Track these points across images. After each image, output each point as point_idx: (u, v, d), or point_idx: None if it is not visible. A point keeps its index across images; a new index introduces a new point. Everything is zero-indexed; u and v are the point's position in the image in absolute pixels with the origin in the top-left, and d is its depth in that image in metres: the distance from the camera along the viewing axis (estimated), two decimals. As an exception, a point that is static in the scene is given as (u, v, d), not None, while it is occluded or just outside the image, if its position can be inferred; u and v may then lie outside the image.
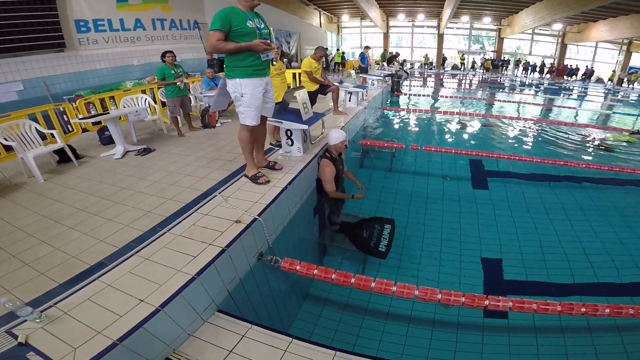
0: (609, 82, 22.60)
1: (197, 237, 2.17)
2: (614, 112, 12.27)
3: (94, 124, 4.86)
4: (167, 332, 1.69)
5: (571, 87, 20.10)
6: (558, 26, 23.01)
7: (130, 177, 3.64)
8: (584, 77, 23.65)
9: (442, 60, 26.88)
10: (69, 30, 7.29)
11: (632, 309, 2.09)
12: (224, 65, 2.78)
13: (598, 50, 24.89)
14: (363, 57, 11.00)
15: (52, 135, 4.16)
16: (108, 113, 4.45)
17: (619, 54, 24.16)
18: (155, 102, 6.18)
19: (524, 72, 25.17)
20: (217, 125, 5.83)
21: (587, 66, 24.07)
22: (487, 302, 2.10)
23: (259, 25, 2.70)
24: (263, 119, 3.10)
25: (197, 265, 1.91)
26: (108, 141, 4.78)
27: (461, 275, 3.68)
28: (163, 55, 5.18)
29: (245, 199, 2.68)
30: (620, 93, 18.80)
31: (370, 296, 3.40)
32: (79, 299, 1.76)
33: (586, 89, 20.04)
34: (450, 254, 3.96)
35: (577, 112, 11.79)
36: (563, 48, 25.39)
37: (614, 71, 23.06)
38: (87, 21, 7.61)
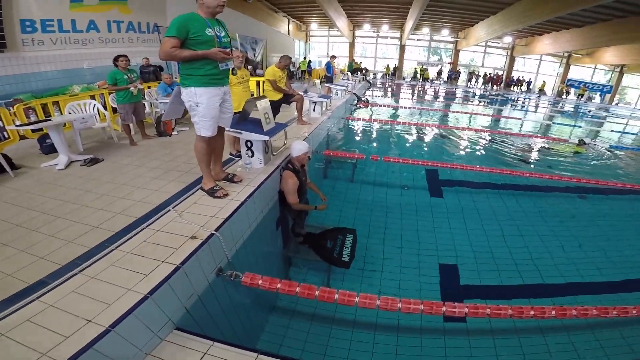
0: (550, 92, 24.85)
1: (148, 254, 2.04)
2: (554, 123, 13.49)
3: (33, 131, 4.44)
4: (121, 352, 1.58)
5: (517, 99, 21.78)
6: (508, 39, 24.95)
7: (75, 189, 3.36)
8: (528, 88, 25.75)
9: (399, 71, 27.97)
10: (12, 29, 6.77)
11: (575, 310, 2.26)
12: (179, 73, 2.66)
13: (541, 63, 27.31)
14: (329, 66, 11.15)
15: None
16: (50, 119, 4.10)
17: (559, 67, 26.71)
18: (106, 109, 5.81)
19: (476, 82, 26.92)
20: (173, 133, 5.60)
21: (520, 77, 26.64)
22: (444, 309, 2.17)
23: (218, 33, 2.61)
24: (221, 129, 3.01)
25: (149, 283, 1.79)
26: (50, 150, 4.37)
27: (421, 282, 3.78)
28: (115, 59, 4.90)
29: (201, 213, 2.57)
30: (560, 104, 20.71)
31: (337, 306, 3.36)
32: (18, 320, 1.61)
33: (530, 99, 21.85)
34: (410, 261, 4.06)
35: (522, 122, 12.80)
36: (512, 60, 27.55)
37: (544, 82, 25.58)
38: (34, 21, 7.12)
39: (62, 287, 1.82)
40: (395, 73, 27.73)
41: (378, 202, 5.36)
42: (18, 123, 4.40)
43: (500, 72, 27.57)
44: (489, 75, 27.01)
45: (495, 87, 26.50)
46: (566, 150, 8.43)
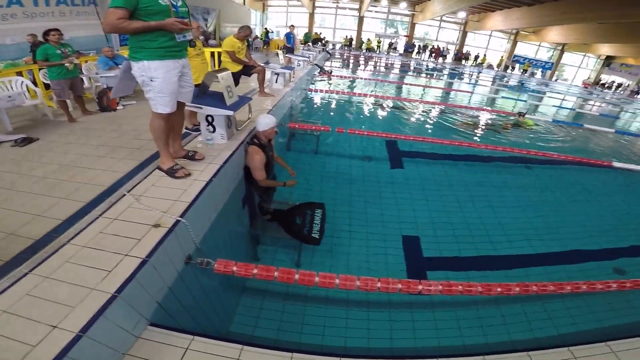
0: (497, 67, 26.26)
1: (108, 247, 1.83)
2: (503, 97, 14.29)
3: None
4: (96, 356, 1.46)
5: (469, 73, 22.70)
6: (462, 14, 25.54)
7: (7, 173, 2.94)
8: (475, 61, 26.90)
9: (359, 42, 27.67)
10: None
11: (535, 286, 2.47)
12: (128, 46, 2.34)
13: (491, 39, 28.50)
14: (289, 36, 10.64)
15: None
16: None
17: (507, 43, 28.09)
18: (36, 85, 5.13)
19: (430, 57, 27.51)
20: (118, 108, 5.09)
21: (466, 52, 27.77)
22: (420, 287, 2.26)
23: (174, 2, 2.33)
24: (180, 104, 2.75)
25: (115, 281, 1.63)
26: (-28, 130, 3.80)
27: (387, 254, 3.88)
28: (46, 33, 4.40)
29: (162, 197, 2.35)
30: (505, 78, 21.96)
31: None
32: None
33: (480, 73, 22.90)
34: (375, 234, 4.16)
35: (472, 95, 13.41)
36: (464, 35, 28.39)
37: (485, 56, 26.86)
38: None
39: (13, 290, 1.60)
40: (350, 44, 27.40)
41: (342, 174, 5.40)
42: None
43: (441, 45, 28.29)
44: (435, 48, 27.69)
45: (438, 59, 27.22)
46: (511, 122, 8.98)
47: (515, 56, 27.25)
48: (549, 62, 27.36)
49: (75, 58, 4.57)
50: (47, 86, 5.26)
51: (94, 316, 1.46)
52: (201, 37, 12.71)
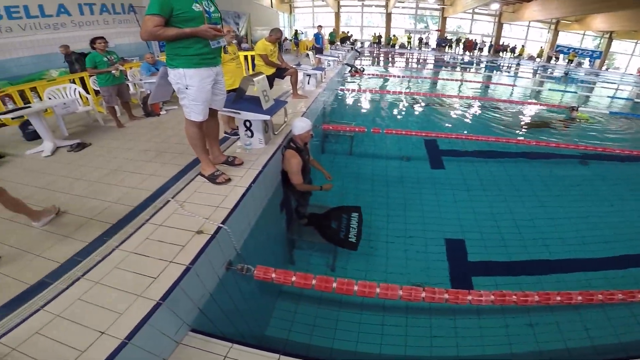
0: (538, 58, 24.66)
1: (154, 253, 1.87)
2: (549, 89, 13.35)
3: (13, 118, 4.15)
4: None
5: (508, 65, 21.50)
6: (495, 6, 24.29)
7: (64, 177, 3.16)
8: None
9: (387, 39, 27.07)
10: None
11: (601, 295, 2.23)
12: (165, 53, 2.38)
13: (529, 30, 26.84)
14: (318, 37, 10.63)
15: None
16: (29, 106, 3.79)
17: (548, 33, 26.30)
18: (88, 92, 5.46)
19: (465, 50, 26.39)
20: (161, 113, 5.31)
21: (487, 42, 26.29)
22: (469, 298, 2.11)
23: (207, 9, 2.32)
24: (213, 111, 2.76)
25: (160, 288, 1.65)
26: (33, 136, 4.10)
27: (428, 260, 3.71)
28: (92, 42, 4.59)
29: (204, 203, 2.38)
30: (549, 69, 20.57)
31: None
32: (26, 333, 1.48)
33: (520, 65, 21.62)
34: (416, 238, 3.98)
35: (514, 89, 12.62)
36: (499, 27, 26.96)
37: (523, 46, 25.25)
38: None
39: (66, 294, 1.68)
40: (379, 41, 26.78)
41: (379, 176, 5.24)
42: (-5, 112, 4.08)
43: (476, 38, 26.97)
44: (468, 41, 26.48)
45: (470, 52, 25.99)
46: (563, 117, 8.34)
47: (558, 46, 25.43)
48: (596, 51, 25.27)
49: (120, 65, 4.77)
50: (97, 93, 5.60)
51: (139, 323, 1.49)
52: (234, 41, 13.10)
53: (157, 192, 2.74)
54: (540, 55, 24.99)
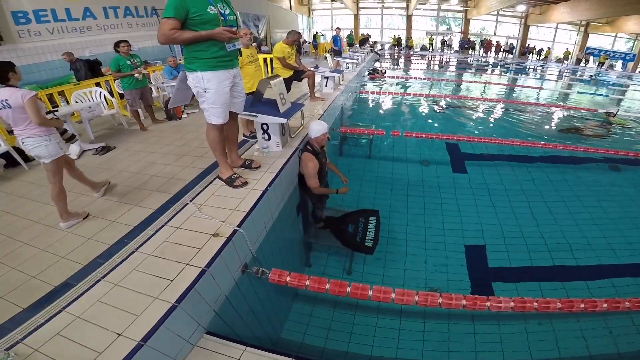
0: (566, 60, 23.72)
1: (171, 256, 1.90)
2: (579, 92, 12.80)
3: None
4: None
5: (535, 67, 20.79)
6: (522, 8, 23.54)
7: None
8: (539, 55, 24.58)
9: (406, 41, 26.66)
10: (6, 22, 6.70)
11: (628, 302, 2.09)
12: (183, 56, 2.41)
13: (557, 32, 25.86)
14: (336, 39, 10.61)
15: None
16: (57, 110, 3.96)
17: (577, 35, 25.26)
18: (112, 95, 5.64)
19: (487, 52, 25.76)
20: (183, 116, 5.43)
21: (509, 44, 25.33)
22: (488, 304, 2.02)
23: (222, 11, 2.33)
24: (233, 114, 2.79)
25: (176, 291, 1.66)
26: (60, 140, 4.28)
27: (448, 265, 3.63)
28: (116, 45, 4.71)
29: (221, 206, 2.40)
30: (579, 72, 19.75)
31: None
32: (49, 334, 1.53)
33: (545, 68, 20.86)
34: (435, 243, 3.90)
35: (541, 91, 12.17)
36: (526, 29, 26.11)
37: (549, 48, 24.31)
38: (27, 12, 7.00)
39: (87, 296, 1.72)
40: (399, 44, 26.37)
41: (398, 180, 5.16)
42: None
43: (500, 40, 26.19)
44: (487, 42, 25.80)
45: (486, 53, 25.32)
46: (596, 120, 7.95)
47: (588, 48, 24.34)
48: (630, 54, 24.04)
49: (143, 69, 4.88)
50: (121, 96, 5.74)
51: (155, 325, 1.51)
52: (254, 44, 13.27)
53: (176, 195, 2.79)
54: (567, 58, 24.03)
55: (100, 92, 5.18)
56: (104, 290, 1.74)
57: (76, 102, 4.75)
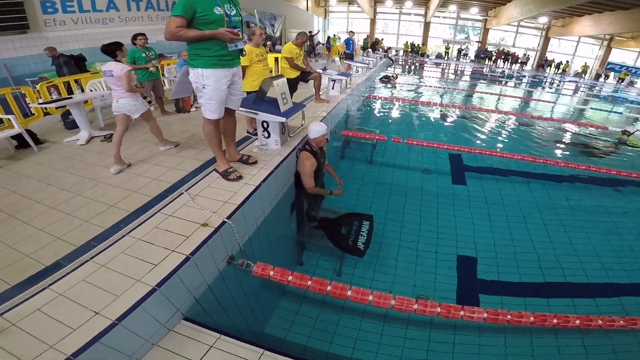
0: (583, 75, 23.27)
1: (159, 242, 1.99)
2: (593, 108, 12.59)
3: (57, 107, 4.51)
4: (127, 344, 1.58)
5: (551, 81, 20.48)
6: (543, 19, 23.25)
7: (94, 165, 3.41)
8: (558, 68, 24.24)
9: (416, 48, 26.40)
10: (34, 11, 6.95)
11: (601, 320, 2.12)
12: (187, 53, 2.55)
13: (579, 45, 25.42)
14: (348, 42, 10.65)
15: (10, 120, 3.83)
16: (71, 97, 4.12)
17: (599, 49, 24.74)
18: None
19: (505, 63, 25.49)
20: (191, 109, 5.56)
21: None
22: (462, 313, 2.06)
23: (228, 12, 2.45)
24: (231, 110, 2.91)
25: (158, 275, 1.75)
26: (72, 125, 4.44)
27: (437, 273, 3.65)
28: (134, 37, 4.88)
29: (214, 197, 2.50)
30: (597, 87, 19.39)
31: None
32: (29, 309, 1.61)
33: (564, 82, 20.54)
34: (427, 251, 3.93)
35: (555, 106, 12.01)
36: (546, 41, 25.74)
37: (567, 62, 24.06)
38: (55, 2, 7.27)
39: (72, 275, 1.81)
40: (413, 50, 26.21)
41: (397, 186, 5.18)
42: (41, 101, 4.45)
43: (519, 52, 25.92)
44: (501, 52, 25.63)
45: (496, 63, 25.24)
46: (610, 139, 7.83)
47: (609, 63, 23.85)
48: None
49: (158, 62, 5.05)
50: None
51: (131, 307, 1.58)
52: (268, 43, 13.38)
53: (175, 184, 2.89)
54: (585, 72, 23.59)
55: (114, 82, 5.33)
56: (90, 270, 1.83)
57: (91, 90, 4.92)
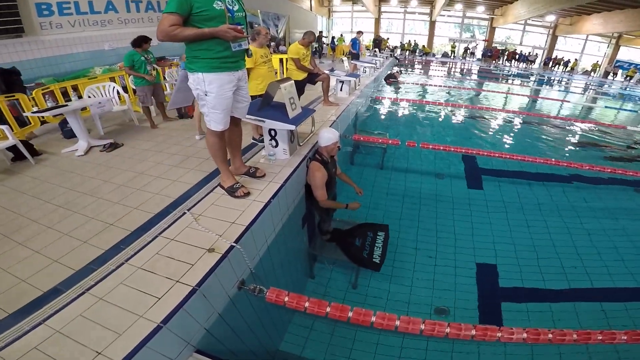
0: (593, 73, 22.92)
1: (161, 271, 1.79)
2: (609, 107, 12.30)
3: (54, 115, 4.32)
4: None
5: (560, 79, 20.15)
6: (551, 18, 22.91)
7: (93, 179, 3.21)
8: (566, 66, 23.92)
9: (413, 47, 25.98)
10: (29, 14, 6.69)
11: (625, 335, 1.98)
12: (185, 56, 2.24)
13: (587, 43, 25.06)
14: (355, 42, 10.42)
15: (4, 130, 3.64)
16: (67, 105, 3.92)
17: (607, 47, 24.41)
18: (126, 91, 5.62)
19: (513, 61, 25.15)
20: (194, 115, 5.37)
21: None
22: (499, 335, 1.93)
23: (230, 7, 2.14)
24: (236, 119, 2.63)
25: (162, 310, 1.56)
26: (71, 134, 4.24)
27: (456, 282, 3.47)
28: (139, 43, 4.69)
29: (219, 218, 2.27)
30: (605, 85, 19.05)
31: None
32: (24, 347, 1.45)
33: (572, 80, 20.20)
34: (445, 260, 3.73)
35: (567, 105, 11.72)
36: (553, 39, 25.39)
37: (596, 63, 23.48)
38: (50, 4, 7.01)
39: (69, 309, 1.63)
40: (415, 50, 25.76)
41: (410, 192, 4.96)
42: (35, 109, 4.26)
43: (525, 50, 25.66)
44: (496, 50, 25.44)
45: (494, 61, 24.97)
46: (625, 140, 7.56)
47: (617, 61, 23.46)
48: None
49: (152, 69, 4.82)
50: (135, 91, 5.66)
51: (136, 346, 1.41)
52: (272, 44, 13.20)
53: (178, 199, 2.70)
54: (594, 70, 23.21)
55: (114, 87, 5.16)
56: (88, 304, 1.64)
57: (89, 96, 4.74)
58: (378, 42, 20.50)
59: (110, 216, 2.54)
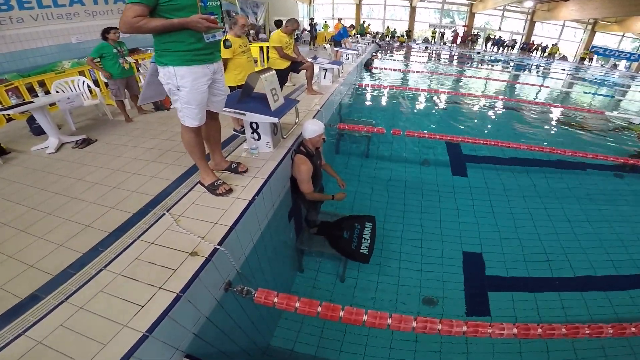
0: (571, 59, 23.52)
1: (142, 277, 1.69)
2: (590, 92, 12.62)
3: (20, 112, 4.07)
4: None
5: (537, 65, 20.51)
6: (529, 4, 23.19)
7: (66, 177, 3.04)
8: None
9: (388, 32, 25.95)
10: None
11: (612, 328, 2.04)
12: (154, 49, 2.05)
13: (564, 29, 25.65)
14: (345, 31, 10.18)
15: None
16: (32, 102, 3.67)
17: (583, 33, 25.02)
18: (98, 85, 5.33)
19: (492, 47, 25.46)
20: (171, 106, 5.16)
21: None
22: (465, 328, 1.96)
23: None
24: (214, 113, 2.48)
25: (147, 318, 1.48)
26: (40, 131, 3.99)
27: (444, 272, 3.53)
28: (106, 32, 4.45)
29: (201, 218, 2.16)
30: (581, 70, 19.54)
31: (353, 299, 3.23)
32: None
33: (550, 65, 20.61)
34: (432, 249, 3.78)
35: (545, 91, 11.96)
36: (532, 25, 25.78)
37: (554, 45, 24.29)
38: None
39: (49, 319, 1.54)
40: (393, 36, 25.83)
41: (395, 181, 4.97)
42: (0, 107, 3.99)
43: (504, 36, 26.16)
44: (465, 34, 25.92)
45: (455, 44, 25.50)
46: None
47: (593, 47, 24.12)
48: (634, 54, 23.87)
49: (125, 62, 4.61)
50: (106, 85, 5.43)
51: (123, 357, 1.35)
52: (251, 32, 12.80)
53: (157, 197, 2.58)
54: (583, 58, 23.75)
55: (84, 82, 4.88)
56: (68, 313, 1.55)
57: (57, 91, 4.45)
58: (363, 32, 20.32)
59: (86, 217, 2.40)
